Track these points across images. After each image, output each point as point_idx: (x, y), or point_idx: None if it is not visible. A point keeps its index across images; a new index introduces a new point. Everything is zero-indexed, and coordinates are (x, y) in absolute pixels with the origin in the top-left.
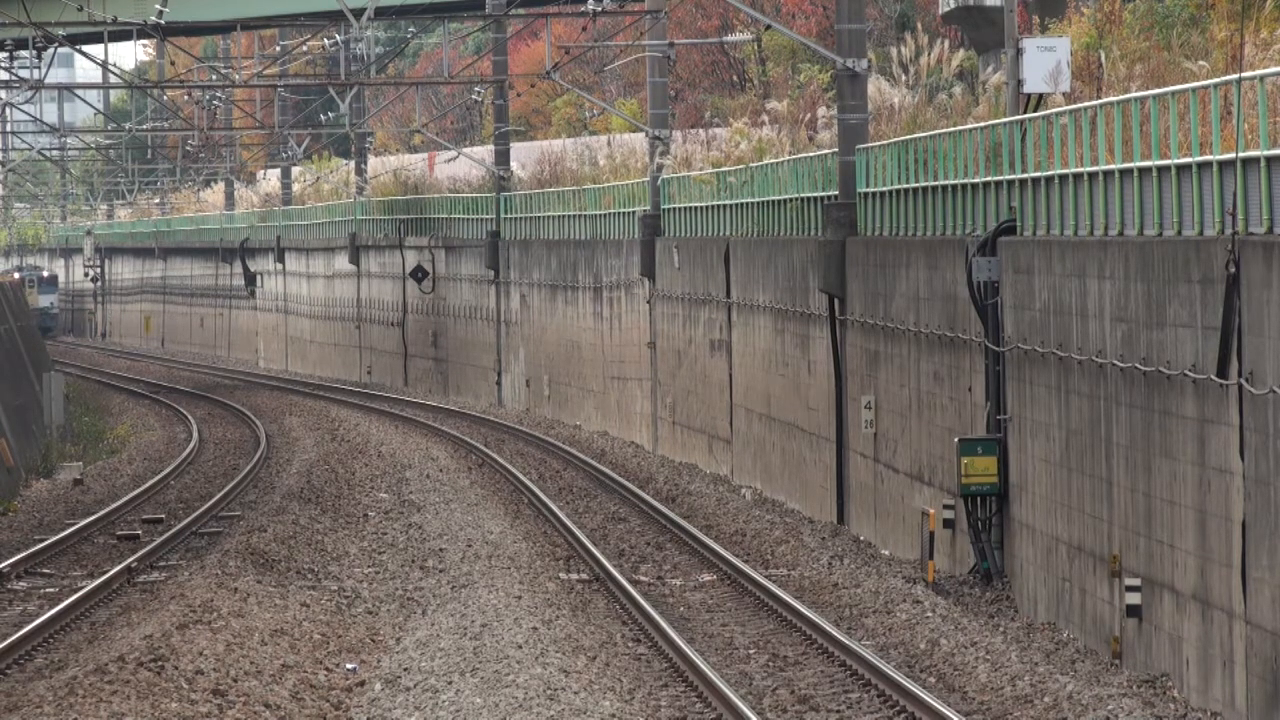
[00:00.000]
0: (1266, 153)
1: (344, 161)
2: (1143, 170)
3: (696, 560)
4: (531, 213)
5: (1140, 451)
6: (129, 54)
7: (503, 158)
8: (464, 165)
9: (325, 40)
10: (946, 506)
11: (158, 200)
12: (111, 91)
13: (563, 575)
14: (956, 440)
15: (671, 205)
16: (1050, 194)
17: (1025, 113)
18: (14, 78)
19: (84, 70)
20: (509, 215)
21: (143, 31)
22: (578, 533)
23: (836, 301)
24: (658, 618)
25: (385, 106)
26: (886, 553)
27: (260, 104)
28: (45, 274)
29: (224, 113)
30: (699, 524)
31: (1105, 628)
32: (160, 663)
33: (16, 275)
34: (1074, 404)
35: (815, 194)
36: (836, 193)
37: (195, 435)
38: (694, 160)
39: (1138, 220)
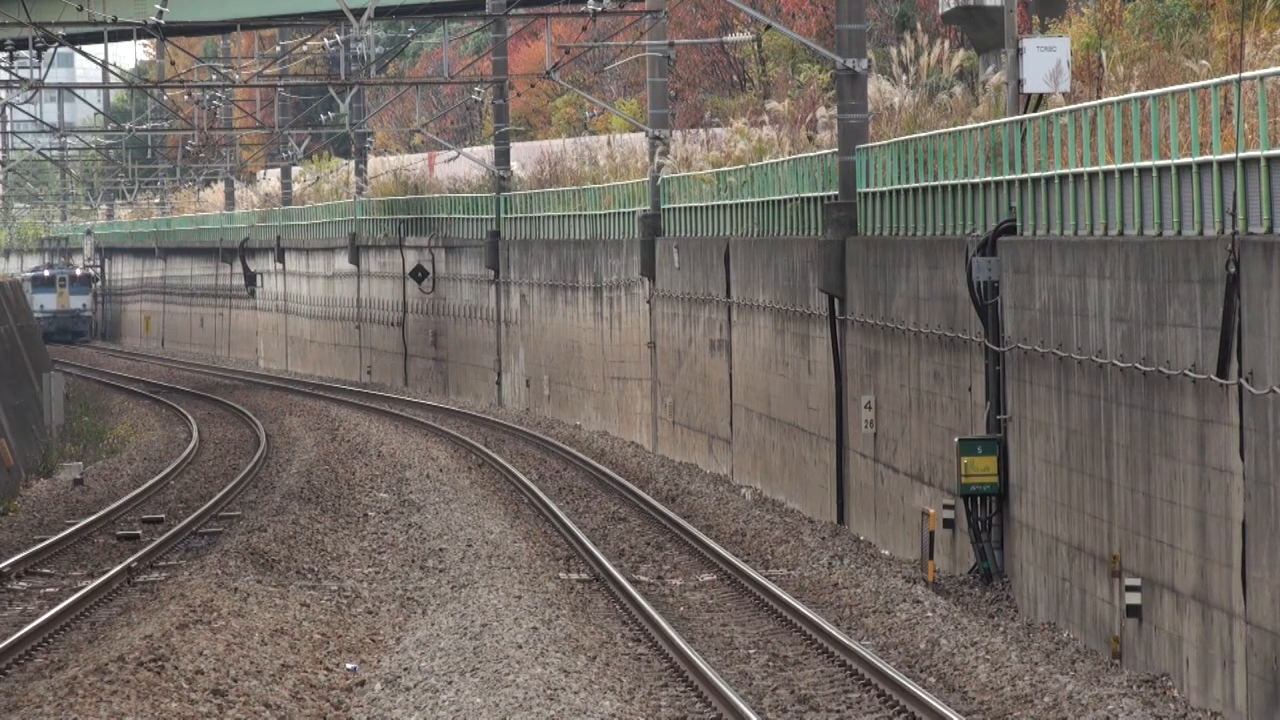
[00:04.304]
0: (1266, 153)
1: (344, 161)
2: (1143, 170)
3: (696, 560)
4: (531, 213)
5: (1140, 451)
6: (129, 54)
7: (503, 158)
8: (464, 165)
9: (325, 40)
10: (946, 506)
11: (158, 200)
12: (111, 91)
13: (563, 575)
14: (956, 440)
15: (671, 205)
16: (1050, 194)
17: (1025, 113)
18: (14, 78)
19: (84, 70)
20: (509, 215)
21: (143, 31)
22: (578, 532)
23: (836, 301)
24: (658, 617)
25: (385, 106)
26: (886, 553)
27: (260, 104)
28: (78, 271)
29: (224, 113)
30: (699, 524)
31: (1105, 628)
32: (160, 663)
33: (47, 273)
34: (1074, 404)
35: (815, 194)
36: (836, 193)
37: (195, 435)
38: (694, 160)
39: (1138, 220)
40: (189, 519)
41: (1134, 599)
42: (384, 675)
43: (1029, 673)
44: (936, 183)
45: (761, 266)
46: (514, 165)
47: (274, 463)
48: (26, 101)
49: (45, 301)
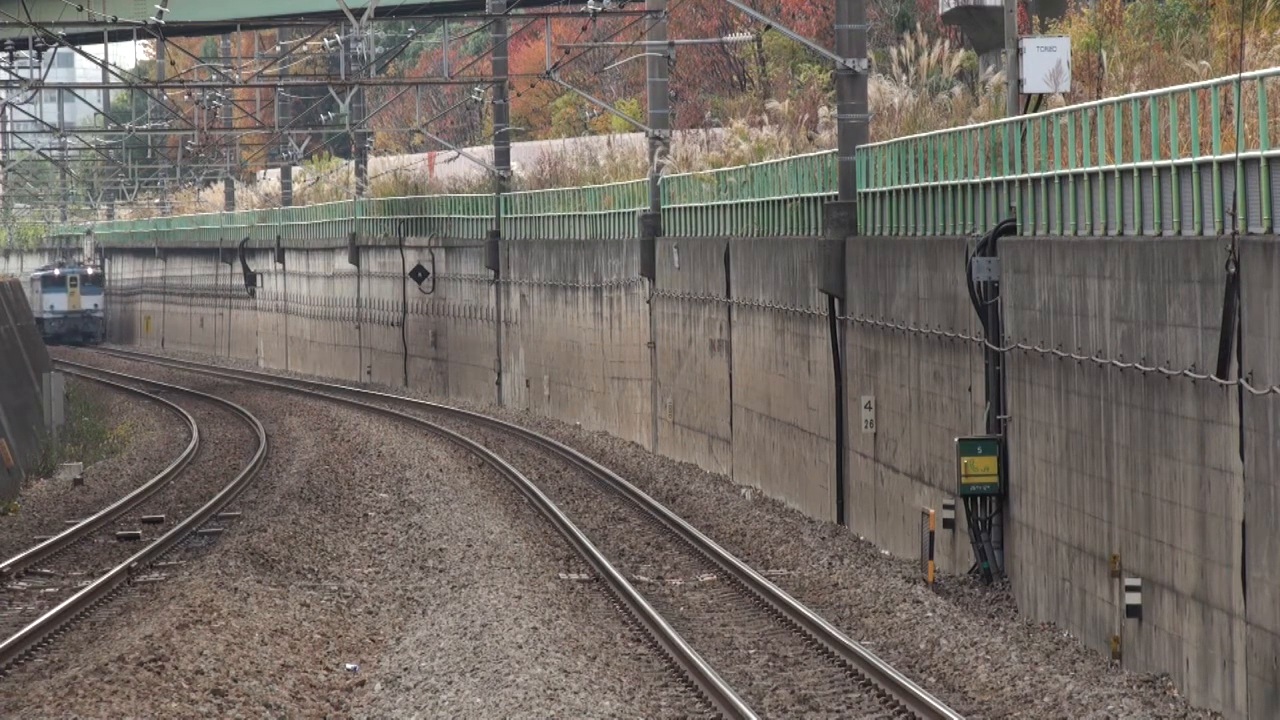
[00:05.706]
0: (1266, 153)
1: (344, 161)
2: (1143, 170)
3: (696, 560)
4: (531, 213)
5: (1140, 451)
6: (129, 54)
7: (503, 158)
8: (464, 165)
9: (325, 40)
10: (946, 506)
11: (158, 200)
12: (111, 91)
13: (563, 575)
14: (956, 440)
15: (671, 205)
16: (1050, 194)
17: (1025, 113)
18: (14, 78)
19: (84, 70)
20: (509, 215)
21: (143, 31)
22: (578, 533)
23: (836, 301)
24: (658, 618)
25: (385, 106)
26: (886, 553)
27: (260, 104)
28: (90, 270)
29: (224, 113)
30: (699, 524)
31: (1105, 628)
32: (160, 663)
33: (57, 271)
34: (1074, 404)
35: (815, 194)
36: (836, 193)
37: (195, 435)
38: (694, 160)
39: (1138, 220)
40: (189, 519)
41: (1134, 599)
42: (384, 675)
43: (1029, 673)
44: (936, 183)
45: (761, 266)
46: (514, 165)
47: (274, 463)
48: (26, 101)
49: (55, 302)
